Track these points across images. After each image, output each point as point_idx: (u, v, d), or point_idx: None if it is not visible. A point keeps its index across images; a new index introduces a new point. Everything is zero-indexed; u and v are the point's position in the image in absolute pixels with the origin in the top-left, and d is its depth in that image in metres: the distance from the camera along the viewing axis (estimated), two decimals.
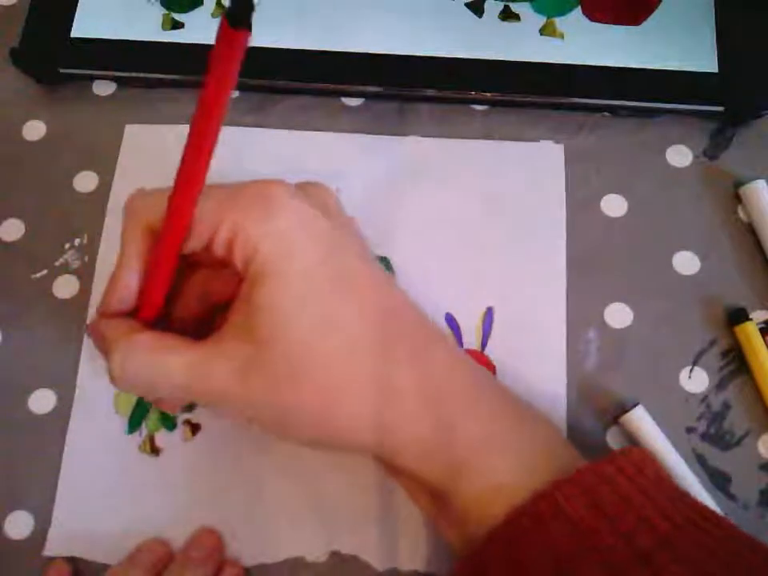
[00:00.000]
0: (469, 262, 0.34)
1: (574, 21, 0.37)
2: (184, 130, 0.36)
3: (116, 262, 0.27)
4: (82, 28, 0.37)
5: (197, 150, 0.23)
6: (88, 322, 0.34)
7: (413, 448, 0.26)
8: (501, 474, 0.25)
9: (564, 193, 0.35)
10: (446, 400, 0.26)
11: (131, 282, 0.27)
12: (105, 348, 0.27)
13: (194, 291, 0.29)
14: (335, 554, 0.31)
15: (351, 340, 0.25)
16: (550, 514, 0.23)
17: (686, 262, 0.34)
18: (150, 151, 0.36)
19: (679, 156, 0.36)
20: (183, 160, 0.23)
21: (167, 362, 0.26)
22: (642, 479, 0.24)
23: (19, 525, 0.31)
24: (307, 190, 0.27)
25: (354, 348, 0.25)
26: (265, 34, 0.36)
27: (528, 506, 0.24)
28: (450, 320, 0.33)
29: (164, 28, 0.37)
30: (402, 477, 0.28)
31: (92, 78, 0.38)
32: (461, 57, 0.35)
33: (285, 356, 0.25)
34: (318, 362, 0.25)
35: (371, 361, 0.25)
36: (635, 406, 0.31)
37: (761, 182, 0.34)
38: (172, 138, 0.36)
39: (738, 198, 0.35)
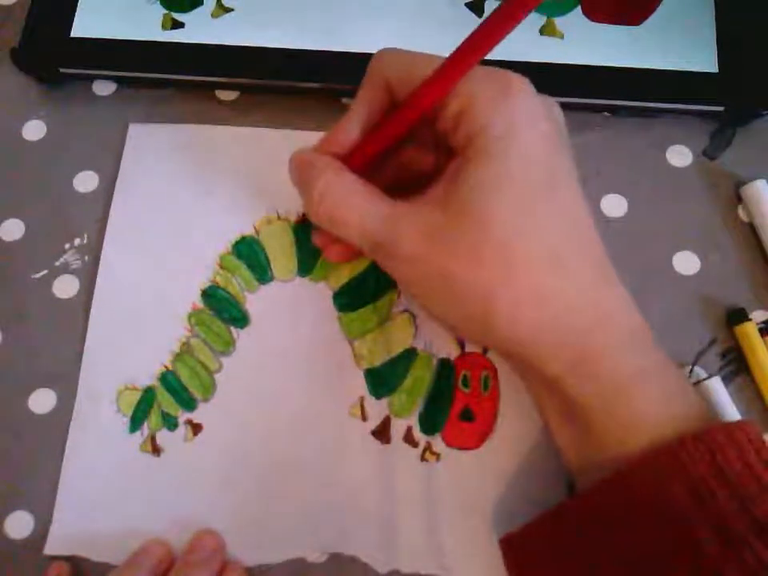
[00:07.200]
0: None
1: (574, 21, 0.37)
2: (188, 129, 0.36)
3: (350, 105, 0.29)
4: (81, 28, 0.37)
5: (487, 37, 0.24)
6: (94, 313, 0.34)
7: (565, 357, 0.25)
8: (651, 409, 0.25)
9: None
10: (613, 327, 0.26)
11: (354, 129, 0.28)
12: (307, 177, 0.28)
13: (395, 162, 0.30)
14: (336, 556, 0.31)
15: (545, 245, 0.25)
16: (671, 468, 0.23)
17: (686, 262, 0.34)
18: (153, 150, 0.36)
19: (679, 156, 0.36)
20: (470, 40, 0.24)
21: (364, 205, 0.27)
22: (766, 453, 0.24)
23: (19, 525, 0.31)
24: (545, 97, 0.28)
25: (544, 252, 0.25)
26: (265, 34, 0.36)
27: (649, 458, 0.24)
28: None
29: (164, 28, 0.37)
30: (538, 386, 0.28)
31: (92, 78, 0.38)
32: None
33: (479, 231, 0.25)
34: (508, 249, 0.25)
35: (553, 271, 0.25)
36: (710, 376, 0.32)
37: (761, 182, 0.34)
38: (176, 137, 0.36)
39: (738, 198, 0.35)
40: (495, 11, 0.24)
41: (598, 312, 0.26)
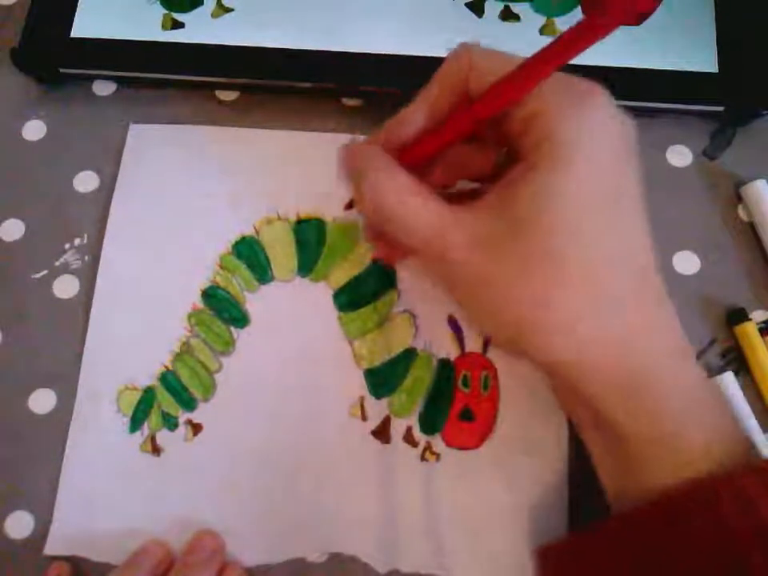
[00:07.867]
0: None
1: (574, 21, 0.36)
2: (188, 130, 0.36)
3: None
4: (81, 28, 0.37)
5: (567, 48, 0.24)
6: (94, 313, 0.34)
7: (604, 377, 0.25)
8: (695, 440, 0.25)
9: None
10: (662, 356, 0.25)
11: (414, 124, 0.27)
12: (357, 170, 0.27)
13: (451, 161, 0.29)
14: (336, 556, 0.31)
15: (598, 259, 0.25)
16: (730, 494, 0.23)
17: (686, 262, 0.34)
18: (154, 151, 0.36)
19: (679, 156, 0.36)
20: (555, 44, 0.24)
21: (414, 205, 0.26)
22: None
23: (19, 525, 0.32)
24: (620, 112, 0.27)
25: (597, 268, 0.25)
26: (265, 34, 0.36)
27: (707, 484, 0.23)
28: (453, 323, 0.33)
29: (164, 28, 0.37)
30: (579, 408, 0.27)
31: (92, 78, 0.38)
32: None
33: (533, 240, 0.24)
34: (565, 261, 0.24)
35: (607, 289, 0.25)
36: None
37: (761, 182, 0.34)
38: (176, 138, 0.36)
39: (738, 198, 0.35)
40: (588, 17, 0.23)
41: (646, 340, 0.25)
